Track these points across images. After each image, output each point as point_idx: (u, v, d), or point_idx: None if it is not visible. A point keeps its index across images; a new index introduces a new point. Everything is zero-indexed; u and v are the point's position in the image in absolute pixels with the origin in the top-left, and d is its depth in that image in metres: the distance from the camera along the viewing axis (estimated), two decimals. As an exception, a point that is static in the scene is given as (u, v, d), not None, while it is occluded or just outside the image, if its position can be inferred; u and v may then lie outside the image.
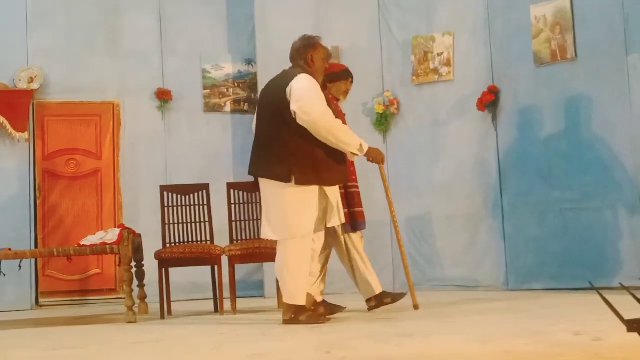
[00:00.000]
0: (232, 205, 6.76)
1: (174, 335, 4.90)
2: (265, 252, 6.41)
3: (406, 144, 8.34)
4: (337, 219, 5.21)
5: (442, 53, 8.14)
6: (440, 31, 8.17)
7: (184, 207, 6.74)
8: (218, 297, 6.41)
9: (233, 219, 6.74)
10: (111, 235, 6.11)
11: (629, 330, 2.40)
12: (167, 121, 8.44)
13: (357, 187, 5.88)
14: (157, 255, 6.36)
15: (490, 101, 7.70)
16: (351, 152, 5.15)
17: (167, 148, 8.40)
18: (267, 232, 5.19)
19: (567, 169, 7.22)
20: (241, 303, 6.77)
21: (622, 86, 6.86)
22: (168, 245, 6.57)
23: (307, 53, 5.31)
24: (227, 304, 6.33)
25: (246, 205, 6.79)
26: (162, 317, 6.21)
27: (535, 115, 7.48)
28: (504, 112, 7.71)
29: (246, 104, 8.60)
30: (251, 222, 6.76)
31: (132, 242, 6.13)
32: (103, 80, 8.34)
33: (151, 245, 6.76)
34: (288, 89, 5.02)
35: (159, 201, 6.75)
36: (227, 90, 8.60)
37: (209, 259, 6.43)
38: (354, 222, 5.82)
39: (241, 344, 4.27)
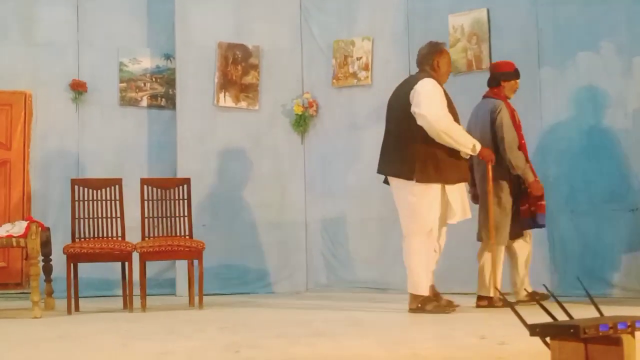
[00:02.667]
0: (145, 202, 6.67)
1: (80, 332, 4.81)
2: (177, 250, 6.35)
3: (323, 146, 8.37)
4: (459, 215, 5.57)
5: (361, 57, 8.21)
6: (360, 36, 8.24)
7: (95, 202, 6.61)
8: (128, 294, 6.32)
9: (146, 215, 6.65)
10: (18, 228, 5.95)
11: (532, 334, 2.46)
12: (81, 113, 8.25)
13: None
14: (66, 250, 6.22)
15: (407, 107, 7.79)
16: (465, 152, 5.54)
17: (80, 141, 8.21)
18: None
19: (479, 176, 7.37)
20: (151, 301, 6.68)
21: (533, 98, 7.05)
22: (77, 240, 6.43)
23: (433, 58, 5.69)
24: (137, 302, 6.24)
25: (159, 201, 6.71)
26: (69, 313, 6.08)
27: (450, 122, 7.60)
28: (420, 119, 7.82)
29: (163, 99, 8.49)
30: (164, 219, 6.68)
31: (40, 236, 5.98)
32: (15, 70, 8.09)
33: (60, 239, 6.62)
34: (412, 92, 5.47)
35: (69, 195, 6.60)
36: (144, 85, 8.47)
37: (119, 255, 6.32)
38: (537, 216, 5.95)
39: (148, 342, 4.21)
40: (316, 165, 8.38)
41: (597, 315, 2.63)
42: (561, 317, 2.62)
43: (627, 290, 6.39)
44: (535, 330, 2.44)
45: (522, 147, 6.02)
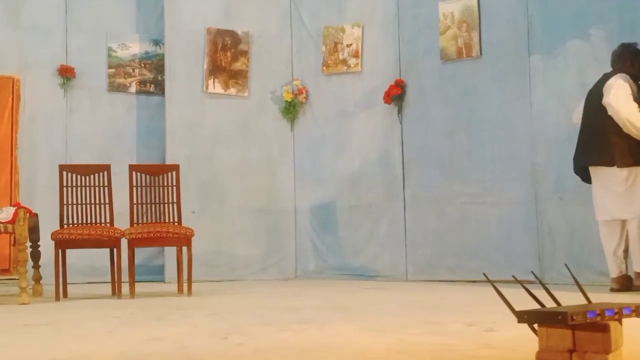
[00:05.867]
0: (134, 188, 6.65)
1: (68, 318, 4.79)
2: (166, 236, 6.33)
3: (313, 133, 8.37)
4: None
5: (351, 44, 8.19)
6: (349, 22, 8.22)
7: (83, 188, 6.58)
8: (116, 280, 6.30)
9: (134, 201, 6.63)
10: (6, 213, 5.91)
11: (520, 321, 2.46)
12: (69, 99, 8.21)
13: None
14: (54, 236, 6.20)
15: (396, 94, 7.80)
16: None
17: (68, 127, 8.18)
18: (607, 213, 5.85)
19: (468, 163, 7.40)
20: (140, 287, 6.67)
21: (523, 85, 7.06)
22: (66, 226, 6.41)
23: (628, 57, 5.93)
24: (125, 288, 6.22)
25: (148, 188, 6.68)
26: (57, 299, 6.06)
27: (439, 110, 7.62)
28: (409, 106, 7.83)
29: (152, 85, 8.45)
30: (153, 205, 6.65)
31: (28, 222, 5.95)
32: (3, 54, 8.04)
33: (48, 225, 6.58)
34: (605, 86, 5.78)
35: (57, 181, 6.57)
36: (133, 71, 8.43)
37: (107, 241, 6.30)
38: None
39: (136, 328, 4.21)
40: (305, 152, 8.37)
41: (584, 302, 2.64)
42: (549, 304, 2.62)
43: (615, 277, 6.40)
44: (523, 317, 2.44)
45: None
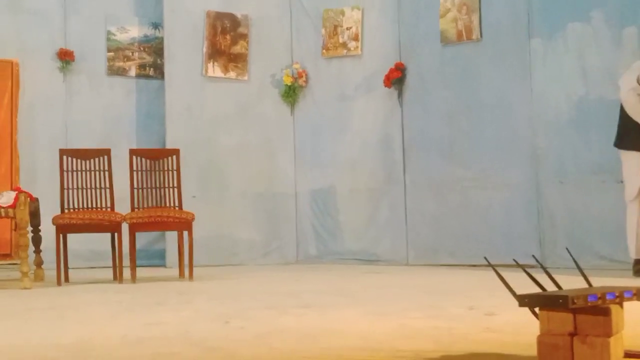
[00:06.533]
0: (135, 172, 6.64)
1: (70, 303, 4.81)
2: (167, 221, 6.33)
3: (313, 117, 8.35)
4: None
5: (350, 27, 8.16)
6: (349, 5, 8.19)
7: (84, 172, 6.57)
8: (117, 265, 6.31)
9: (135, 186, 6.62)
10: (6, 198, 5.91)
11: (521, 305, 2.46)
12: (68, 83, 8.19)
13: None
14: (55, 221, 6.20)
15: (396, 78, 7.78)
16: None
17: (68, 111, 8.16)
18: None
19: (468, 147, 7.39)
20: (141, 272, 6.68)
21: (523, 69, 7.04)
22: (66, 211, 6.41)
23: None
24: (127, 273, 6.23)
25: (148, 172, 6.68)
26: (59, 284, 6.07)
27: (439, 93, 7.60)
28: (410, 90, 7.81)
29: (151, 69, 8.43)
30: (153, 189, 6.65)
31: (29, 207, 5.95)
32: (1, 38, 8.01)
33: (49, 210, 6.58)
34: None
35: (57, 165, 6.57)
36: (133, 54, 8.40)
37: (108, 226, 6.30)
38: None
39: (138, 312, 4.22)
40: (305, 136, 8.36)
41: (585, 285, 2.64)
42: (550, 287, 2.63)
43: (615, 261, 6.42)
44: (524, 300, 2.44)
45: None
